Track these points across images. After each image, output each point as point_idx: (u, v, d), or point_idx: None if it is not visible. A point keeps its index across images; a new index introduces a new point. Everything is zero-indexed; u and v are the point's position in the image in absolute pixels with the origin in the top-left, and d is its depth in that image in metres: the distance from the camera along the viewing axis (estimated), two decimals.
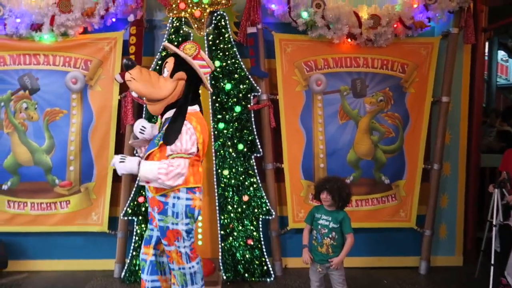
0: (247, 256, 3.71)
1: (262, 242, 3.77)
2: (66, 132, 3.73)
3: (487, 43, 4.56)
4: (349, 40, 3.82)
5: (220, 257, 3.72)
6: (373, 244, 4.09)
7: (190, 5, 3.62)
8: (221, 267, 3.71)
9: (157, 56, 3.68)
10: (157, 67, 3.64)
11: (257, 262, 3.73)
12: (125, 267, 3.70)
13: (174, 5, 3.62)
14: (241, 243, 3.70)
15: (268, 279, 3.74)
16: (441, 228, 4.19)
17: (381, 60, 3.92)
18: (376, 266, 4.07)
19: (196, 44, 2.65)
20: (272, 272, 3.78)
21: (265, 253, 3.77)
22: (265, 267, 3.75)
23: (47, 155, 3.73)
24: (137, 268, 3.63)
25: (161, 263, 2.81)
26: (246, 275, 3.71)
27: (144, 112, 3.71)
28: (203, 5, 3.63)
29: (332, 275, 2.92)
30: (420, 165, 4.00)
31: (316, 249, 2.94)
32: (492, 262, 3.39)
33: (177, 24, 3.66)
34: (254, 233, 3.74)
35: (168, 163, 2.45)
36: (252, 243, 3.72)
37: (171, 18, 3.65)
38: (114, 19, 3.70)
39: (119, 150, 3.77)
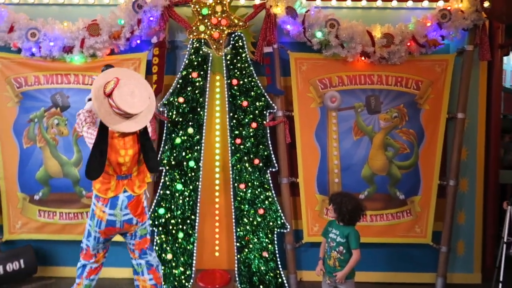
0: (262, 268, 3.81)
1: (277, 255, 3.86)
2: None
3: (505, 58, 4.54)
4: (362, 58, 3.91)
5: (236, 269, 3.84)
6: (389, 259, 4.11)
7: (209, 27, 3.82)
8: (237, 279, 3.82)
9: (178, 75, 3.88)
10: (178, 86, 3.85)
11: (272, 274, 3.82)
12: None
13: (194, 27, 3.83)
14: (256, 255, 3.81)
15: None
16: (458, 244, 4.17)
17: (395, 77, 3.99)
18: (392, 281, 4.08)
19: (116, 81, 2.62)
20: (286, 284, 3.85)
21: (280, 266, 3.86)
22: (280, 280, 3.84)
23: (75, 168, 3.98)
24: None
25: (138, 265, 3.08)
26: (261, 287, 3.80)
27: (165, 128, 3.89)
28: (221, 27, 3.83)
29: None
30: (435, 181, 4.01)
31: (326, 261, 3.02)
32: (501, 279, 3.37)
33: (197, 45, 3.86)
34: (269, 246, 3.84)
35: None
36: (267, 256, 3.82)
37: (191, 39, 3.86)
38: (138, 41, 3.94)
39: None
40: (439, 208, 4.02)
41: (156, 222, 3.81)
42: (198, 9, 3.81)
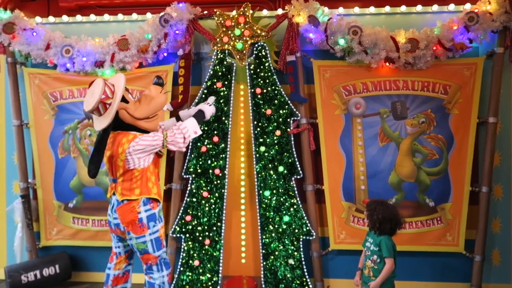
0: (288, 275, 3.80)
1: (303, 262, 3.84)
2: None
3: None
4: (387, 64, 3.88)
5: (262, 276, 3.85)
6: (419, 268, 4.00)
7: (233, 38, 3.91)
8: (263, 286, 3.83)
9: (203, 86, 3.99)
10: (203, 96, 3.95)
11: (298, 282, 3.81)
12: (174, 282, 3.94)
13: (218, 39, 3.93)
14: (282, 262, 3.81)
15: None
16: (493, 254, 4.00)
17: (422, 82, 3.93)
18: None
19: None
20: None
21: (306, 273, 3.84)
22: (307, 287, 3.81)
23: (106, 177, 4.14)
24: (184, 283, 3.86)
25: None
26: None
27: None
28: (244, 38, 3.91)
29: None
30: (467, 188, 3.89)
31: (363, 270, 2.99)
32: None
33: (221, 56, 3.96)
34: (295, 253, 3.83)
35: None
36: (293, 263, 3.82)
37: (215, 50, 3.96)
38: (165, 54, 4.08)
39: (169, 172, 4.09)
40: (472, 215, 3.89)
41: (184, 229, 3.90)
42: (222, 21, 3.91)
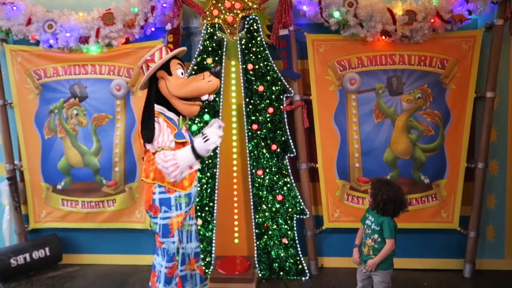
0: (282, 254, 3.77)
1: (297, 241, 3.81)
2: (112, 135, 4.00)
3: None
4: (383, 37, 3.74)
5: (255, 255, 3.82)
6: (414, 245, 3.98)
7: (223, 12, 3.75)
8: (257, 265, 3.80)
9: (193, 62, 3.83)
10: (193, 72, 3.81)
11: (292, 260, 3.78)
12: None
13: (208, 12, 3.76)
14: (276, 242, 3.77)
15: (303, 278, 3.78)
16: (488, 229, 3.99)
17: (419, 56, 3.80)
18: (417, 268, 3.96)
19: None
20: (307, 271, 3.81)
21: (300, 252, 3.81)
22: (300, 266, 3.79)
23: (95, 157, 4.03)
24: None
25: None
26: (281, 273, 3.77)
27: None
28: (235, 11, 3.74)
29: (374, 278, 2.87)
30: (463, 164, 3.83)
31: (361, 248, 2.93)
32: None
33: (211, 30, 3.79)
34: (289, 232, 3.79)
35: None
36: (286, 242, 3.78)
37: (205, 24, 3.80)
38: (153, 29, 3.91)
39: None
40: (467, 192, 3.85)
41: None
42: None
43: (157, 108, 2.69)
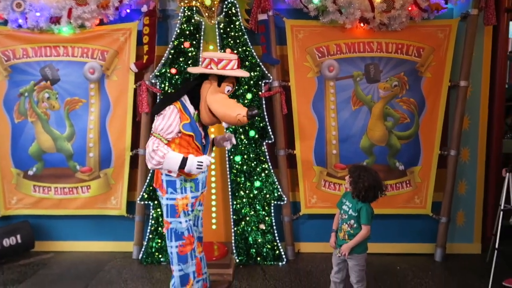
0: (259, 240, 3.80)
1: (274, 227, 3.83)
2: (86, 120, 3.89)
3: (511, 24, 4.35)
4: (361, 24, 3.75)
5: (233, 241, 3.83)
6: (387, 230, 4.06)
7: None
8: (234, 251, 3.81)
9: (170, 45, 3.75)
10: (170, 56, 3.73)
11: (269, 246, 3.81)
12: (143, 249, 3.86)
13: None
14: (253, 227, 3.79)
15: (280, 263, 3.82)
16: (458, 215, 4.12)
17: (396, 44, 3.84)
18: (390, 252, 4.06)
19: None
20: (284, 256, 3.85)
21: (277, 238, 3.84)
22: (277, 252, 3.83)
23: (68, 142, 3.92)
24: (153, 250, 3.80)
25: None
26: (259, 259, 3.80)
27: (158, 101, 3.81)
28: None
29: (349, 262, 2.90)
30: (436, 151, 3.93)
31: (338, 233, 2.95)
32: (497, 247, 3.42)
33: (189, 13, 3.71)
34: (266, 218, 3.81)
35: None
36: (264, 228, 3.80)
37: (182, 7, 3.71)
38: (128, 10, 3.80)
39: (135, 137, 3.92)
40: (440, 178, 3.95)
41: (152, 196, 3.78)
42: None
43: (184, 97, 2.72)
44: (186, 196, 2.76)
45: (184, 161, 2.58)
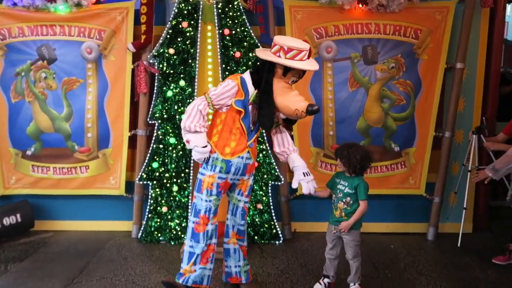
0: (256, 220, 3.86)
1: (272, 207, 3.90)
2: (83, 100, 3.89)
3: (508, 6, 4.37)
4: (360, 5, 3.76)
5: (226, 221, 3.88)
6: (382, 210, 4.14)
7: None
8: None
9: (167, 25, 3.73)
10: (168, 36, 3.71)
11: (266, 225, 3.88)
12: (142, 228, 3.92)
13: None
14: (251, 207, 3.85)
15: (277, 242, 3.90)
16: (451, 195, 4.20)
17: (394, 26, 3.85)
18: (384, 231, 4.16)
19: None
20: (281, 235, 3.92)
21: (274, 217, 3.91)
22: (274, 231, 3.90)
23: (66, 123, 3.92)
24: (152, 229, 3.86)
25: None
26: (256, 237, 3.87)
27: (156, 81, 3.82)
28: None
29: (344, 238, 2.98)
30: (431, 133, 3.99)
31: (332, 211, 3.02)
32: (465, 206, 3.86)
33: None
34: (264, 198, 3.87)
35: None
36: (261, 208, 3.86)
37: None
38: None
39: (133, 117, 3.93)
40: (434, 159, 4.03)
41: (151, 176, 3.82)
42: None
43: (246, 75, 2.71)
44: (213, 175, 2.74)
45: (198, 141, 2.64)
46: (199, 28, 3.73)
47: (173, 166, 3.78)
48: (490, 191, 4.42)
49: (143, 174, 3.85)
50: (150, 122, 3.86)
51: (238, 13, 3.70)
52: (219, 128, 2.75)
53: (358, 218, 2.90)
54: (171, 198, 3.82)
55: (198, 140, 2.65)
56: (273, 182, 3.88)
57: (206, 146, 2.68)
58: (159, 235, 3.87)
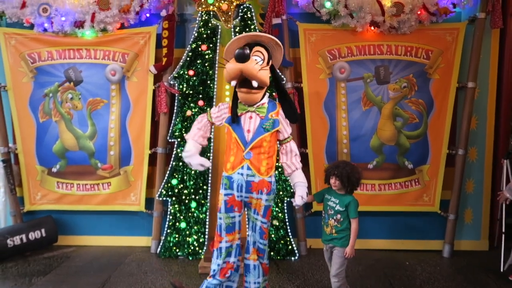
0: (272, 236, 3.93)
1: (287, 223, 3.97)
2: (107, 120, 4.07)
3: None
4: (372, 28, 3.89)
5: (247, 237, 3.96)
6: (397, 227, 4.19)
7: None
8: None
9: (187, 48, 3.92)
10: (187, 59, 3.89)
11: (282, 242, 3.95)
12: (161, 244, 4.02)
13: (203, 0, 3.84)
14: None
15: (293, 258, 3.95)
16: (466, 212, 4.22)
17: (405, 47, 3.97)
18: (400, 248, 4.18)
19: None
20: (297, 251, 3.98)
21: (290, 234, 3.98)
22: (290, 247, 3.96)
23: (90, 141, 4.10)
24: (171, 244, 3.95)
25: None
26: (272, 253, 3.93)
27: (176, 101, 3.98)
28: None
29: (333, 253, 2.99)
30: (444, 150, 4.05)
31: (323, 228, 3.05)
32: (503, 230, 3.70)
33: (206, 17, 3.88)
34: (280, 215, 3.95)
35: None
36: (277, 224, 3.94)
37: (200, 12, 3.87)
38: (148, 15, 3.98)
39: (154, 136, 4.09)
40: (448, 177, 4.07)
41: (170, 193, 3.94)
42: None
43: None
44: (222, 192, 2.84)
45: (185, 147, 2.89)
46: (217, 51, 3.91)
47: (191, 183, 3.90)
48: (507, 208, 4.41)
49: (162, 190, 3.97)
50: (170, 140, 4.01)
51: None
52: (225, 147, 2.91)
53: (355, 237, 2.91)
54: (190, 214, 3.93)
55: (185, 147, 2.89)
56: (288, 199, 3.96)
57: (189, 151, 2.85)
58: (177, 250, 3.96)
